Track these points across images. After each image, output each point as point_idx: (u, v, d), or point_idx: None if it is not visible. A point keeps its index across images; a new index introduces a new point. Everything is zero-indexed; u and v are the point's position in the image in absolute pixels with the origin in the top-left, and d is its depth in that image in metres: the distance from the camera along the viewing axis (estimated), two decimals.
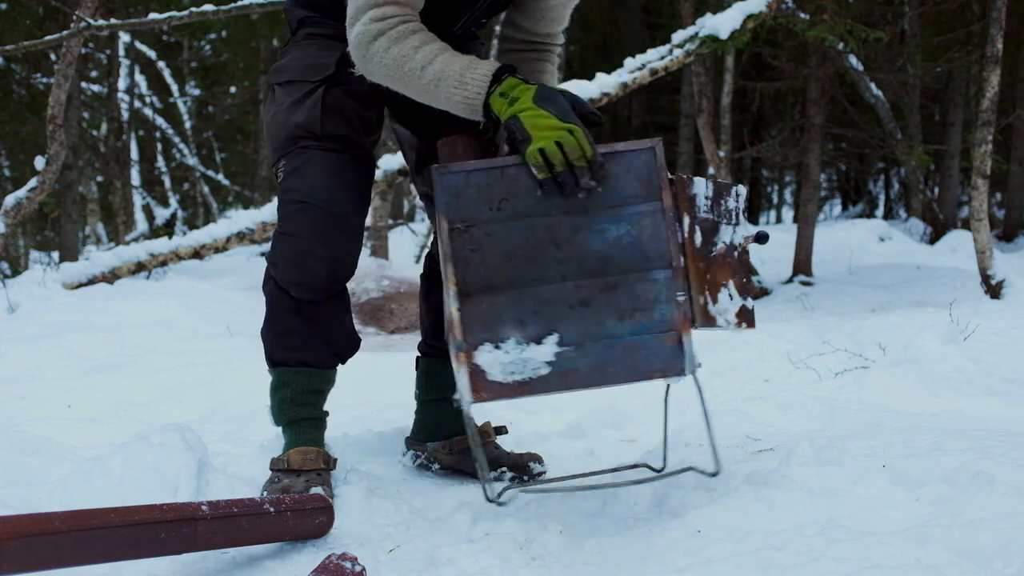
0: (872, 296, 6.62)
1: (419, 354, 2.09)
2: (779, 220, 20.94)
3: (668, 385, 1.73)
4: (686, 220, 1.54)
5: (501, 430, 2.08)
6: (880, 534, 1.33)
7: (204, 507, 1.39)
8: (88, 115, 12.37)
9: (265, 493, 1.73)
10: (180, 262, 6.40)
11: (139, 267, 6.16)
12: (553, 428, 2.38)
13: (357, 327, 2.55)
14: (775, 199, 22.37)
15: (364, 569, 1.39)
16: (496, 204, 1.50)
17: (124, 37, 10.84)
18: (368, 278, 6.94)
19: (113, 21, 6.41)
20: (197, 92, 14.57)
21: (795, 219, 12.18)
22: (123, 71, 11.00)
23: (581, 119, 1.53)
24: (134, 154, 11.64)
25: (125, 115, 11.05)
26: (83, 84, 10.62)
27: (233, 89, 14.25)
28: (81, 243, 11.15)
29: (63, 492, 1.62)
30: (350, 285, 1.94)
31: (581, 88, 6.10)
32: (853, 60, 8.79)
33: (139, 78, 12.33)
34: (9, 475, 1.81)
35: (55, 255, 11.23)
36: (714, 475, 1.61)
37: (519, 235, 1.50)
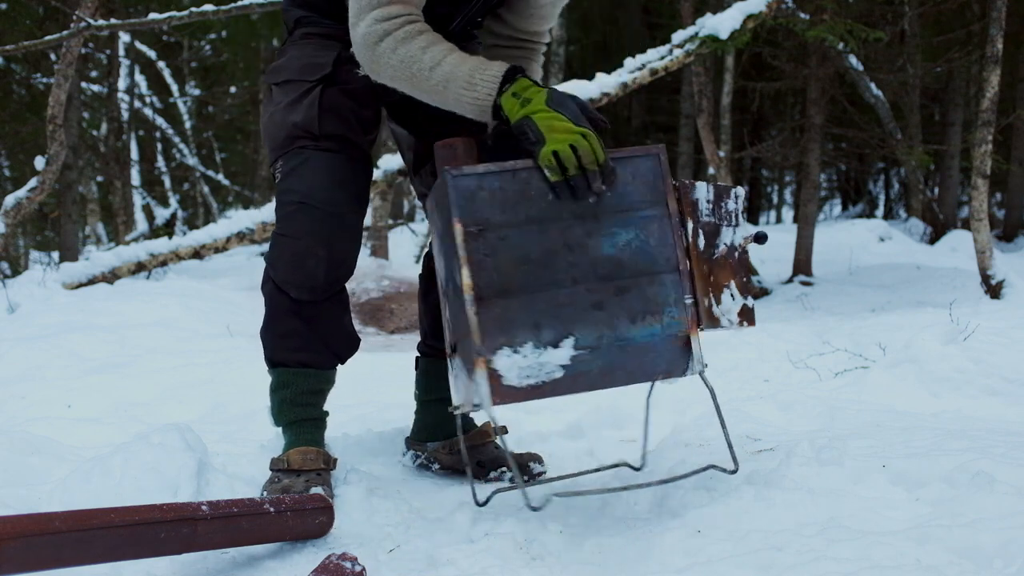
0: (872, 296, 6.62)
1: (418, 354, 2.09)
2: (779, 220, 20.94)
3: (651, 386, 1.77)
4: (690, 225, 1.59)
5: (501, 430, 2.08)
6: (880, 534, 1.33)
7: (204, 507, 1.39)
8: (88, 115, 12.38)
9: (265, 493, 1.73)
10: (180, 262, 6.40)
11: (139, 267, 6.17)
12: (553, 428, 2.38)
13: (357, 327, 2.55)
14: (775, 199, 22.37)
15: (364, 569, 1.39)
16: (509, 208, 1.50)
17: (124, 37, 10.85)
18: (368, 278, 6.94)
19: (113, 21, 6.41)
20: (197, 92, 14.58)
21: (795, 219, 12.18)
22: (123, 71, 11.01)
23: (590, 124, 1.54)
24: (134, 154, 11.65)
25: (125, 115, 11.05)
26: (83, 84, 10.63)
27: (233, 89, 14.26)
28: (81, 243, 11.15)
29: (63, 492, 1.62)
30: (350, 285, 1.94)
31: (581, 88, 6.10)
32: (853, 60, 8.79)
33: (139, 78, 12.34)
34: (9, 475, 1.81)
35: (55, 255, 11.23)
36: (734, 472, 1.63)
37: (533, 239, 1.50)
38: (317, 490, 1.70)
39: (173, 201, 12.91)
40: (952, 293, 5.88)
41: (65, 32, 5.66)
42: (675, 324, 1.56)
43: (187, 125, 14.01)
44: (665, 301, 1.55)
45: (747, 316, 1.68)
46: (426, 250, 1.93)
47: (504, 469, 1.99)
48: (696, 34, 6.31)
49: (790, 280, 7.82)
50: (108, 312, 4.62)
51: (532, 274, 1.49)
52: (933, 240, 10.93)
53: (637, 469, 1.88)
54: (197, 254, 6.29)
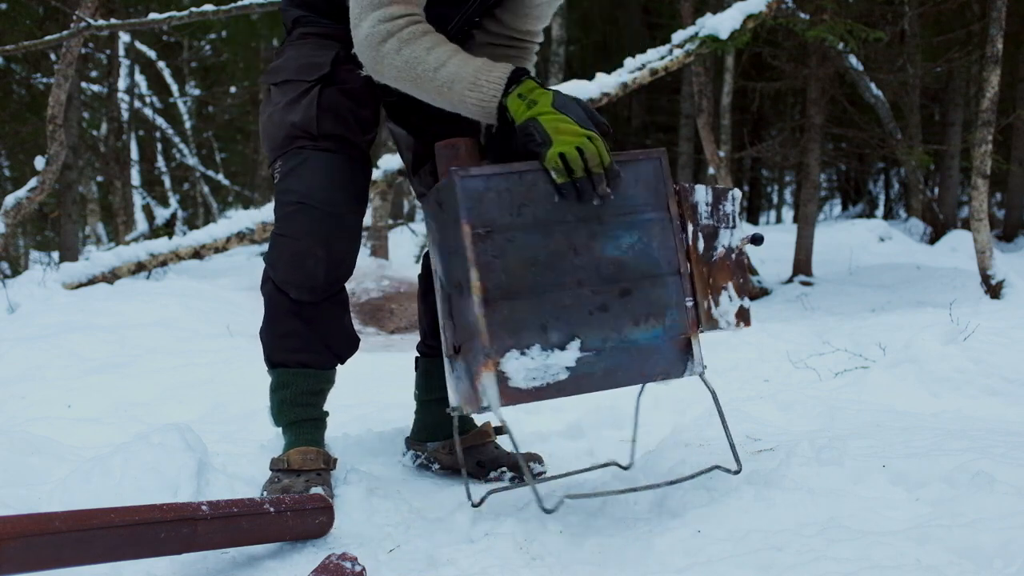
0: (872, 296, 6.62)
1: (418, 354, 2.09)
2: (779, 220, 20.95)
3: (642, 387, 1.80)
4: (690, 227, 1.60)
5: (501, 430, 2.08)
6: (880, 534, 1.33)
7: (204, 507, 1.39)
8: (88, 115, 12.38)
9: (265, 493, 1.73)
10: (180, 262, 6.40)
11: (139, 267, 6.17)
12: (553, 428, 2.38)
13: (357, 327, 2.55)
14: (775, 199, 22.38)
15: (364, 569, 1.39)
16: (516, 209, 1.50)
17: (124, 37, 10.85)
18: (368, 278, 6.95)
19: (113, 21, 6.41)
20: (197, 92, 14.58)
21: (795, 219, 12.18)
22: (123, 71, 11.01)
23: (595, 128, 1.55)
24: (134, 154, 11.65)
25: (125, 115, 11.06)
26: (83, 84, 10.63)
27: (233, 89, 14.25)
28: (81, 243, 11.16)
29: (63, 492, 1.62)
30: (350, 285, 1.95)
31: (581, 88, 6.10)
32: (853, 60, 8.79)
33: (139, 78, 12.34)
34: (9, 475, 1.81)
35: (55, 255, 11.24)
36: (737, 472, 1.64)
37: (539, 241, 1.50)
38: (317, 490, 1.69)
39: (173, 201, 12.91)
40: (952, 293, 5.88)
41: (65, 32, 5.66)
42: (676, 326, 1.57)
43: (187, 125, 14.01)
44: (667, 303, 1.57)
45: (744, 317, 1.70)
46: (425, 250, 1.93)
47: (504, 469, 1.99)
48: (696, 34, 6.31)
49: (790, 280, 7.82)
50: (108, 312, 4.62)
51: (539, 276, 1.50)
52: (933, 240, 10.93)
53: (626, 468, 1.90)
54: (197, 254, 6.29)
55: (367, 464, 2.02)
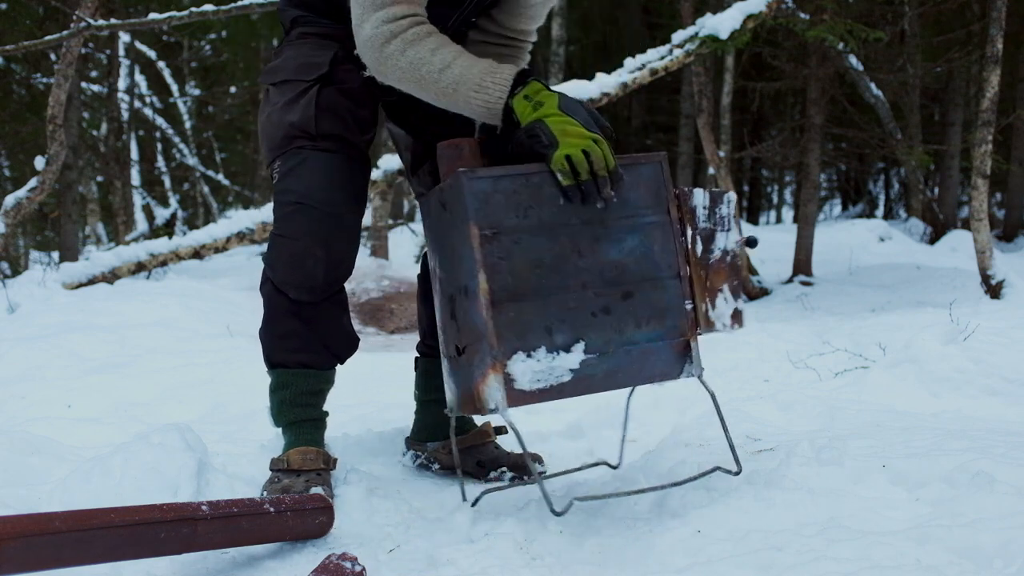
0: (872, 296, 6.62)
1: (418, 354, 2.09)
2: (779, 220, 20.95)
3: (632, 390, 1.82)
4: (689, 231, 1.62)
5: (501, 430, 2.08)
6: (880, 534, 1.33)
7: (204, 507, 1.39)
8: (88, 115, 12.38)
9: (265, 493, 1.73)
10: (180, 262, 6.40)
11: (139, 267, 6.17)
12: (553, 428, 2.38)
13: (357, 327, 2.55)
14: (775, 199, 22.38)
15: (364, 569, 1.39)
16: (522, 211, 1.51)
17: (124, 37, 10.85)
18: (368, 278, 6.95)
19: (113, 21, 6.41)
20: (197, 92, 14.58)
21: (795, 219, 12.18)
22: (123, 71, 11.01)
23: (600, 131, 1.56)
24: (134, 154, 11.65)
25: (125, 115, 11.05)
26: (83, 84, 10.63)
27: (233, 89, 14.26)
28: (81, 243, 11.16)
29: (63, 492, 1.62)
30: (350, 285, 1.95)
31: (581, 88, 6.10)
32: (853, 60, 8.79)
33: (139, 78, 12.34)
34: (9, 475, 1.81)
35: (55, 255, 11.24)
36: (737, 474, 1.65)
37: (544, 243, 1.51)
38: (317, 490, 1.70)
39: (173, 201, 12.91)
40: (952, 293, 5.88)
41: (65, 32, 5.66)
42: (675, 329, 1.59)
43: (187, 125, 14.01)
44: (667, 306, 1.59)
45: (738, 319, 1.72)
46: (424, 249, 1.94)
47: (504, 469, 1.99)
48: (696, 34, 6.31)
49: (790, 280, 7.82)
50: (108, 312, 4.62)
51: (544, 278, 1.50)
52: (933, 240, 10.93)
53: (615, 467, 1.94)
54: (197, 254, 6.29)
55: (367, 464, 2.02)
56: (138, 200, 12.05)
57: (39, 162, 5.81)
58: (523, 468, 1.98)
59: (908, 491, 1.51)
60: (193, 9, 5.97)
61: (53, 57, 8.86)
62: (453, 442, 1.76)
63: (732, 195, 1.73)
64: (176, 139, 13.72)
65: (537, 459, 2.02)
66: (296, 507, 1.55)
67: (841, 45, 7.06)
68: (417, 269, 2.11)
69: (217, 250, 6.32)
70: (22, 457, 1.88)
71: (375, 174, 6.50)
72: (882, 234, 10.42)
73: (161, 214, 10.75)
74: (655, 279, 1.58)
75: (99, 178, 12.79)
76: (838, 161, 12.43)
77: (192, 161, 13.95)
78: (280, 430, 1.89)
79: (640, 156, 1.61)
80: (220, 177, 15.01)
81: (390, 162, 6.61)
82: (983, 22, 8.46)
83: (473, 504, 1.69)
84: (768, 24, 6.82)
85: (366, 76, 1.74)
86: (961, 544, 1.27)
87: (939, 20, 10.19)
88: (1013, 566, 1.21)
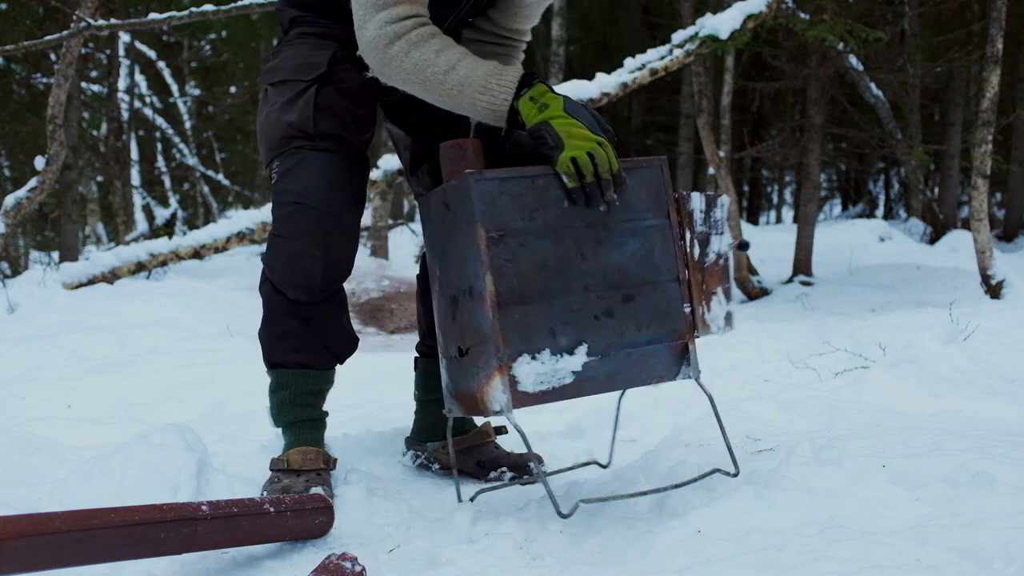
0: (872, 296, 6.62)
1: (417, 355, 2.09)
2: (779, 220, 20.95)
3: (622, 392, 1.84)
4: (688, 235, 1.64)
5: (501, 430, 2.08)
6: (880, 534, 1.33)
7: (204, 507, 1.39)
8: (88, 115, 12.38)
9: (265, 493, 1.73)
10: (180, 262, 6.40)
11: (139, 267, 6.17)
12: (553, 428, 2.38)
13: (357, 327, 2.55)
14: (775, 199, 22.39)
15: (364, 569, 1.39)
16: (528, 214, 1.51)
17: (124, 37, 10.84)
18: (368, 278, 6.95)
19: (113, 21, 6.41)
20: (197, 92, 14.58)
21: (795, 219, 12.19)
22: (123, 71, 11.01)
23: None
24: (134, 154, 11.65)
25: (125, 115, 11.05)
26: (83, 84, 10.63)
27: (233, 89, 14.25)
28: (81, 243, 11.16)
29: (63, 492, 1.62)
30: (350, 285, 1.95)
31: (581, 88, 6.10)
32: (853, 60, 8.79)
33: (139, 78, 12.34)
34: (9, 475, 1.81)
35: (55, 255, 11.24)
36: (735, 475, 1.66)
37: (550, 246, 1.52)
38: (317, 490, 1.70)
39: (173, 201, 12.91)
40: (952, 293, 5.88)
41: (65, 32, 5.66)
42: (674, 331, 1.61)
43: (187, 125, 14.01)
44: (667, 309, 1.60)
45: (730, 321, 1.75)
46: (424, 250, 1.94)
47: (504, 469, 1.99)
48: (696, 34, 6.31)
49: (790, 280, 7.82)
50: (108, 312, 4.62)
51: (549, 280, 1.51)
52: (933, 240, 10.93)
53: (604, 466, 1.97)
54: (197, 254, 6.29)
55: (367, 464, 2.02)
56: (138, 200, 12.05)
57: (39, 162, 5.81)
58: (523, 468, 1.99)
59: (908, 491, 1.51)
60: (193, 9, 5.97)
61: (53, 57, 8.87)
62: (450, 443, 1.76)
63: (726, 198, 1.75)
64: (176, 139, 13.72)
65: (537, 459, 2.02)
66: (296, 507, 1.55)
67: (841, 45, 7.06)
68: (417, 269, 2.11)
69: (217, 250, 6.32)
70: (22, 457, 1.88)
71: (375, 174, 6.50)
72: (882, 234, 10.42)
73: (161, 214, 10.76)
74: (655, 282, 1.60)
75: (99, 178, 12.80)
76: (838, 161, 12.44)
77: (192, 161, 13.95)
78: (280, 430, 1.89)
79: (641, 160, 1.62)
80: (220, 177, 15.02)
81: (390, 162, 6.61)
82: (983, 22, 8.47)
83: (471, 500, 1.69)
84: (768, 24, 6.83)
85: (368, 76, 1.74)
86: (961, 544, 1.27)
87: (939, 20, 10.19)
88: (1013, 566, 1.21)
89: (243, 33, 12.54)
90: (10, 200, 5.74)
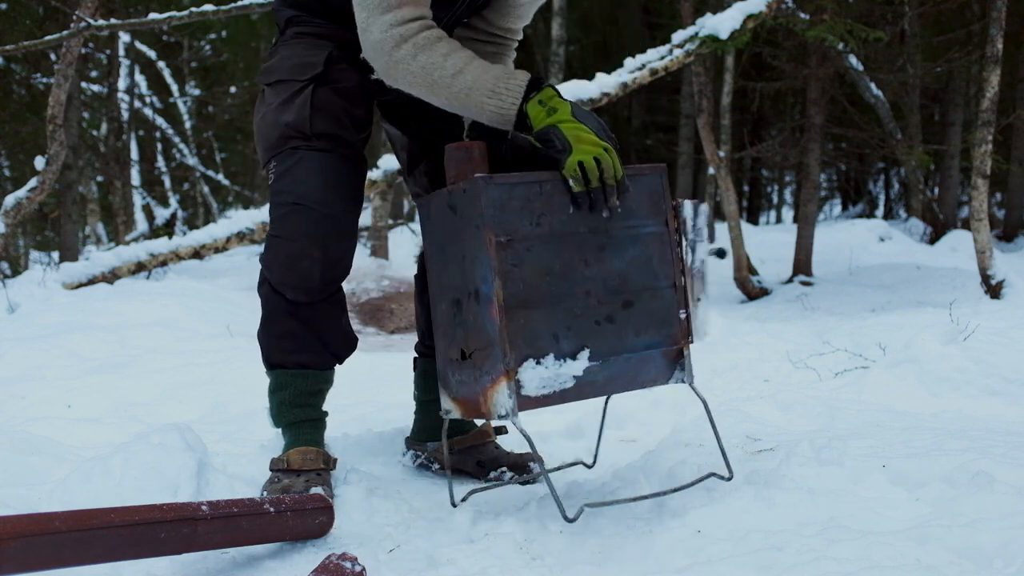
0: (872, 296, 6.62)
1: (417, 355, 2.09)
2: (779, 220, 20.95)
3: (608, 397, 1.86)
4: (683, 242, 1.67)
5: (501, 430, 2.08)
6: (880, 534, 1.33)
7: (204, 507, 1.39)
8: (88, 115, 12.38)
9: (265, 493, 1.73)
10: (180, 262, 6.40)
11: (139, 267, 6.17)
12: (553, 428, 2.38)
13: (357, 327, 2.55)
14: (775, 199, 22.39)
15: (364, 569, 1.39)
16: (535, 219, 1.52)
17: (124, 37, 10.84)
18: (368, 278, 6.94)
19: (113, 21, 6.41)
20: (197, 92, 14.58)
21: (795, 219, 12.18)
22: (123, 71, 11.00)
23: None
24: (134, 154, 11.65)
25: (125, 115, 11.05)
26: (83, 84, 10.63)
27: (233, 89, 14.25)
28: (81, 243, 11.16)
29: (63, 492, 1.62)
30: (350, 285, 1.95)
31: (581, 88, 6.10)
32: (853, 60, 8.79)
33: (139, 78, 12.34)
34: (9, 475, 1.81)
35: (55, 255, 11.24)
36: (728, 479, 1.66)
37: (555, 251, 1.53)
38: (317, 490, 1.70)
39: (173, 201, 12.91)
40: (952, 293, 5.88)
41: (65, 32, 5.66)
42: (670, 337, 1.63)
43: (187, 125, 14.01)
44: (664, 315, 1.63)
45: (707, 327, 1.81)
46: (422, 250, 1.94)
47: (504, 469, 1.99)
48: (696, 34, 6.31)
49: (790, 280, 7.82)
50: (108, 312, 4.62)
51: (554, 285, 1.53)
52: (933, 240, 10.93)
53: (590, 466, 2.00)
54: (197, 254, 6.29)
55: (367, 464, 2.02)
56: (138, 200, 12.05)
57: (39, 162, 5.81)
58: (523, 468, 1.99)
59: (908, 491, 1.51)
60: (193, 9, 5.97)
61: (53, 57, 8.86)
62: (444, 444, 1.76)
63: (705, 206, 1.78)
64: (176, 139, 13.72)
65: (540, 462, 2.01)
66: (296, 507, 1.55)
67: (841, 45, 7.06)
68: (416, 269, 2.11)
69: (217, 250, 6.32)
70: (22, 457, 1.88)
71: (375, 174, 6.50)
72: (882, 234, 10.41)
73: (161, 214, 10.75)
74: (654, 288, 1.62)
75: (99, 178, 12.79)
76: (838, 161, 12.44)
77: (192, 161, 13.94)
78: (280, 430, 1.89)
79: (643, 167, 1.64)
80: (220, 177, 15.01)
81: (390, 162, 6.61)
82: (983, 22, 8.46)
83: (463, 500, 1.70)
84: (768, 24, 6.82)
85: (359, 75, 1.74)
86: (961, 544, 1.27)
87: (939, 20, 10.19)
88: (1013, 566, 1.21)
89: (243, 33, 12.54)
90: (10, 200, 5.74)
